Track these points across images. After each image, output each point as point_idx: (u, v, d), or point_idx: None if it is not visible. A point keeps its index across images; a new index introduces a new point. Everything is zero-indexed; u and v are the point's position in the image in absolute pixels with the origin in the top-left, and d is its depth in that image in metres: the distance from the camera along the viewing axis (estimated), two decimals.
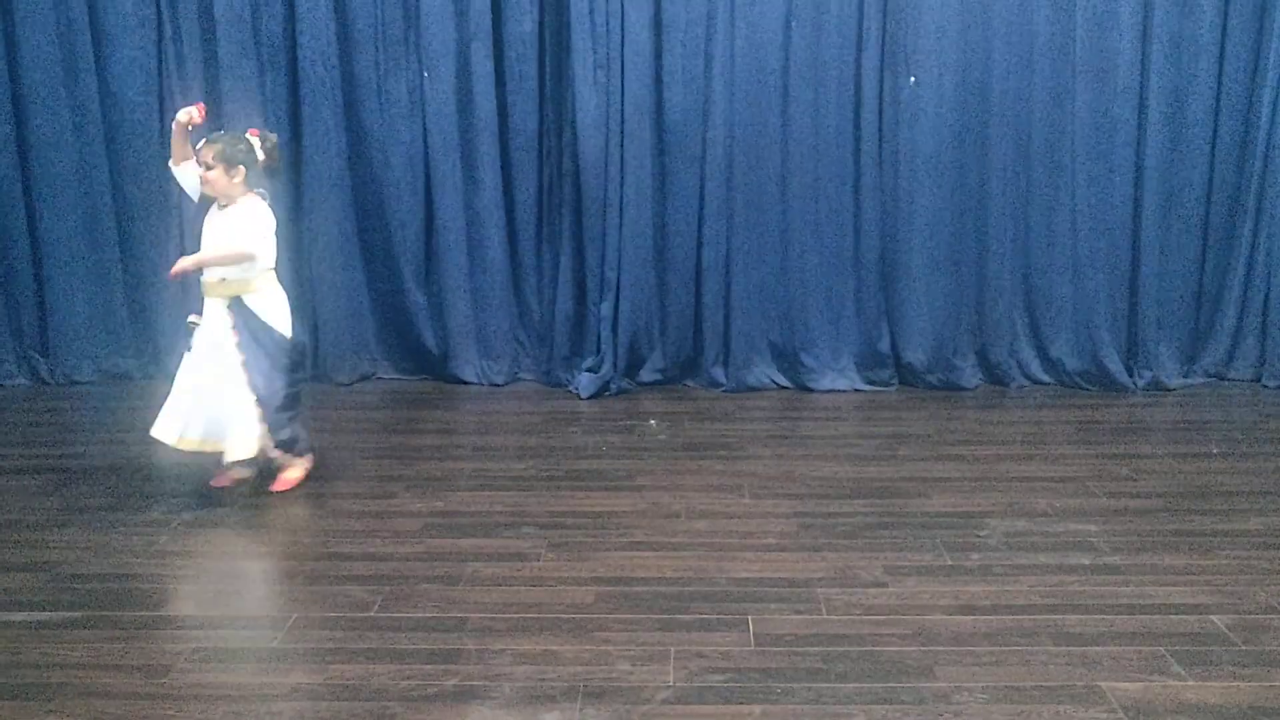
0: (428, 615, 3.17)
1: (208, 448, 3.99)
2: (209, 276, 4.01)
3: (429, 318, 5.70)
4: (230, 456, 3.97)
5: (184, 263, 3.98)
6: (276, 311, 4.08)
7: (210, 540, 3.72)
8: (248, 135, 4.02)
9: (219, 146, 3.94)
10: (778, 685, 2.78)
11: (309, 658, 2.93)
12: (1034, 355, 5.64)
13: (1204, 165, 5.44)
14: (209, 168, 3.94)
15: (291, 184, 5.55)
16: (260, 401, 3.97)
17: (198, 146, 3.98)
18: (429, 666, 2.88)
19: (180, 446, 3.97)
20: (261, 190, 4.09)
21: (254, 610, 3.21)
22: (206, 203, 4.10)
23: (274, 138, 4.11)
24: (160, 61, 5.44)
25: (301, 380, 4.30)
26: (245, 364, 3.97)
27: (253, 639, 3.03)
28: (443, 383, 5.71)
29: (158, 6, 5.38)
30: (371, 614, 3.17)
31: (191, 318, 4.07)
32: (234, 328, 3.98)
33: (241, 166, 3.97)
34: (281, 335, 4.06)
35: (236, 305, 3.99)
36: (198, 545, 3.68)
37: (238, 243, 3.94)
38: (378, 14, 5.41)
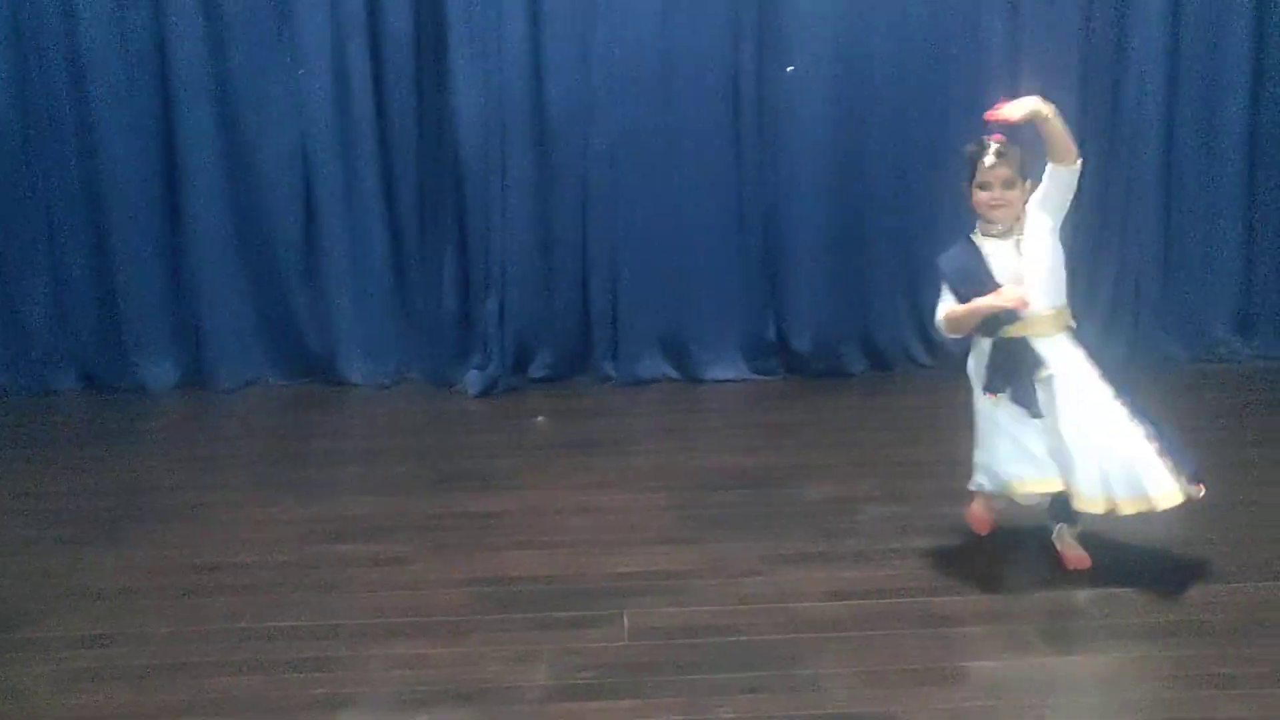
0: (300, 623, 3.12)
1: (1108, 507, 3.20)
2: (1044, 310, 3.25)
3: (312, 320, 5.61)
4: (1164, 505, 3.16)
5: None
6: None
7: (78, 557, 3.62)
8: (995, 142, 3.22)
9: (1017, 159, 3.19)
10: (649, 679, 2.79)
11: (178, 672, 2.87)
12: (917, 340, 5.73)
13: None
14: (1008, 186, 3.19)
15: (166, 186, 5.44)
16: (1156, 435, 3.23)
17: (991, 164, 3.18)
18: (299, 675, 2.85)
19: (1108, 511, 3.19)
20: None
21: (122, 628, 3.13)
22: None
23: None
24: (20, 65, 5.27)
25: None
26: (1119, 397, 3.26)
27: (120, 656, 2.96)
28: (329, 385, 5.62)
29: (14, 7, 5.20)
30: (243, 624, 3.12)
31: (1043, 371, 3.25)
32: (1088, 360, 3.31)
33: (1031, 180, 3.23)
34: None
35: (1073, 338, 3.33)
36: (65, 563, 3.58)
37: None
38: (249, 12, 5.29)
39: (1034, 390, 3.23)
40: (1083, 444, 3.18)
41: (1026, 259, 3.23)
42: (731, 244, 5.58)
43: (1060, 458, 3.22)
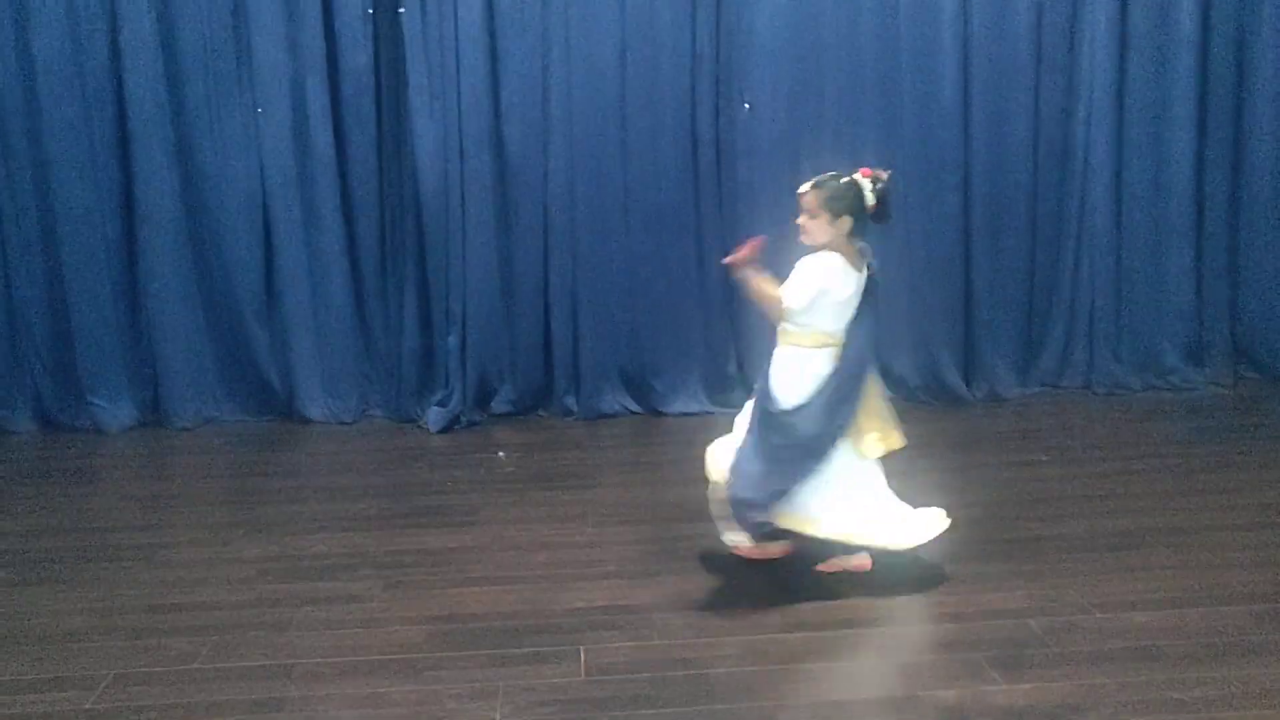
0: (254, 664, 3.09)
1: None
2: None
3: (272, 357, 5.58)
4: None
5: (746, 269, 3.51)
6: (781, 378, 3.60)
7: (27, 599, 3.56)
8: (861, 176, 3.46)
9: (825, 193, 3.42)
10: (604, 714, 2.78)
11: (125, 716, 2.83)
12: (876, 371, 5.75)
13: (1027, 184, 5.65)
14: (811, 215, 3.44)
15: (123, 222, 5.41)
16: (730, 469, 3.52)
17: (801, 190, 3.47)
18: (252, 717, 2.82)
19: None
20: (862, 245, 3.54)
21: (69, 670, 3.08)
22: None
23: (885, 176, 3.47)
24: None
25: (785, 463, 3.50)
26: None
27: (66, 701, 2.91)
28: (289, 422, 5.59)
29: None
30: (195, 666, 3.08)
31: None
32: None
33: (848, 216, 3.43)
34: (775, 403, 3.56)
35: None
36: (12, 605, 3.52)
37: (780, 292, 3.51)
38: (206, 48, 5.29)
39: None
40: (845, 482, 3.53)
41: None
42: (692, 279, 5.61)
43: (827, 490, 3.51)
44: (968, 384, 5.76)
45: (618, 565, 3.75)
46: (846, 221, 3.42)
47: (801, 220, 3.46)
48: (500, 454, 5.05)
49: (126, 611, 3.45)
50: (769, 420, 3.53)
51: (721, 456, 3.66)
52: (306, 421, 5.55)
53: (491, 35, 5.35)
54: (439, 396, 5.53)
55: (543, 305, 5.59)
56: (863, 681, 2.92)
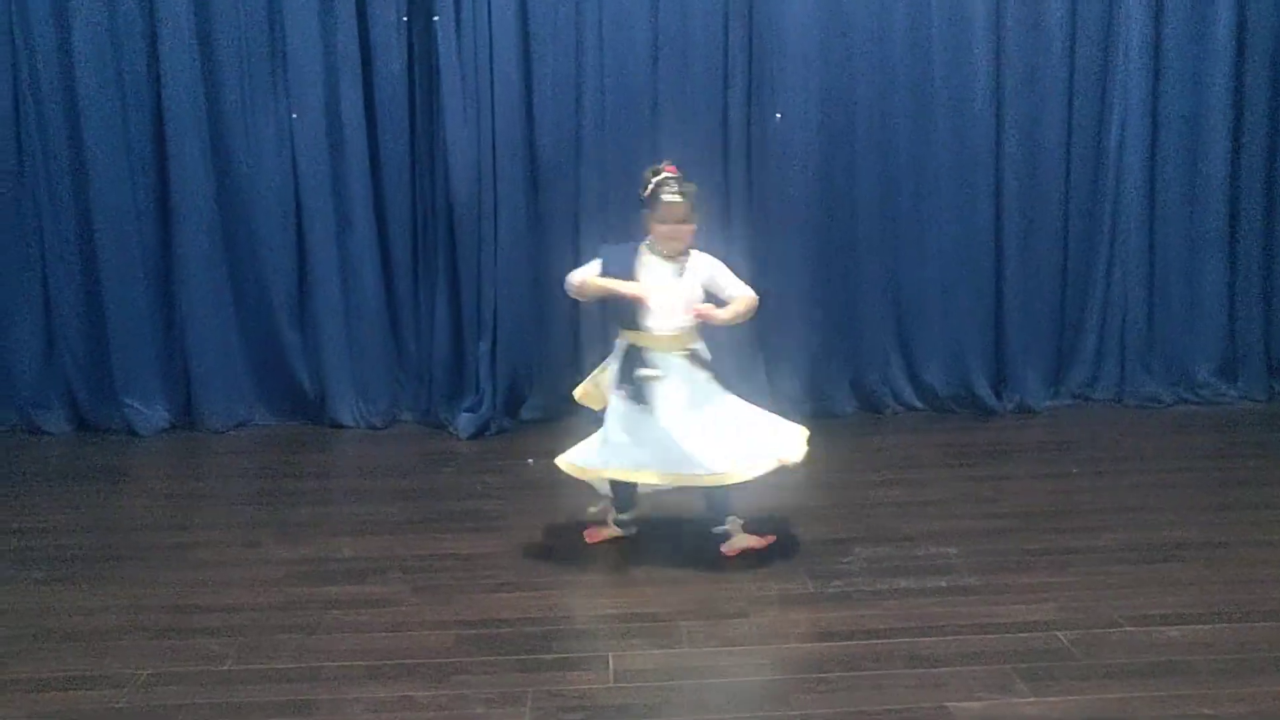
0: (283, 666, 3.11)
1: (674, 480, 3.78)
2: (666, 330, 3.75)
3: (304, 360, 5.62)
4: (794, 458, 3.75)
5: (715, 314, 3.74)
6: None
7: (60, 597, 3.60)
8: (668, 172, 3.75)
9: (692, 199, 3.70)
10: None
11: (156, 716, 2.85)
12: (906, 381, 5.76)
13: (1059, 194, 5.63)
14: (683, 221, 3.70)
15: (159, 223, 5.47)
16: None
17: (671, 201, 3.66)
18: (280, 718, 2.83)
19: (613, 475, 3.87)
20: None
21: (101, 669, 3.11)
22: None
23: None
24: (17, 104, 5.31)
25: None
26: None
27: (97, 699, 2.94)
28: (320, 426, 5.62)
29: (13, 49, 5.25)
30: (224, 667, 3.11)
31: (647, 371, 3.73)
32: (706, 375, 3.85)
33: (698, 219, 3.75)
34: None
35: (692, 359, 3.81)
36: (46, 603, 3.56)
37: (746, 292, 3.80)
38: (243, 51, 5.34)
39: (644, 389, 3.70)
40: (693, 433, 3.65)
41: (674, 283, 3.71)
42: None
43: (675, 453, 3.65)
44: (998, 395, 5.73)
45: (645, 572, 3.75)
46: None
47: (685, 230, 3.72)
48: (529, 460, 5.06)
49: (157, 611, 3.48)
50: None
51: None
52: (338, 425, 5.58)
53: (524, 41, 5.37)
54: (469, 402, 5.55)
55: (573, 312, 5.60)
56: (889, 692, 2.90)
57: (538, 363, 5.66)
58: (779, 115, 5.45)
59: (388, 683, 3.01)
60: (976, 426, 5.52)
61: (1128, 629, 3.22)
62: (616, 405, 3.79)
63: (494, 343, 5.52)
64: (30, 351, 5.52)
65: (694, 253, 3.78)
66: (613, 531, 4.01)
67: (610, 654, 3.14)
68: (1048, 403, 5.77)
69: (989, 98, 5.50)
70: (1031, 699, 2.84)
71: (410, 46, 5.40)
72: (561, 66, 5.39)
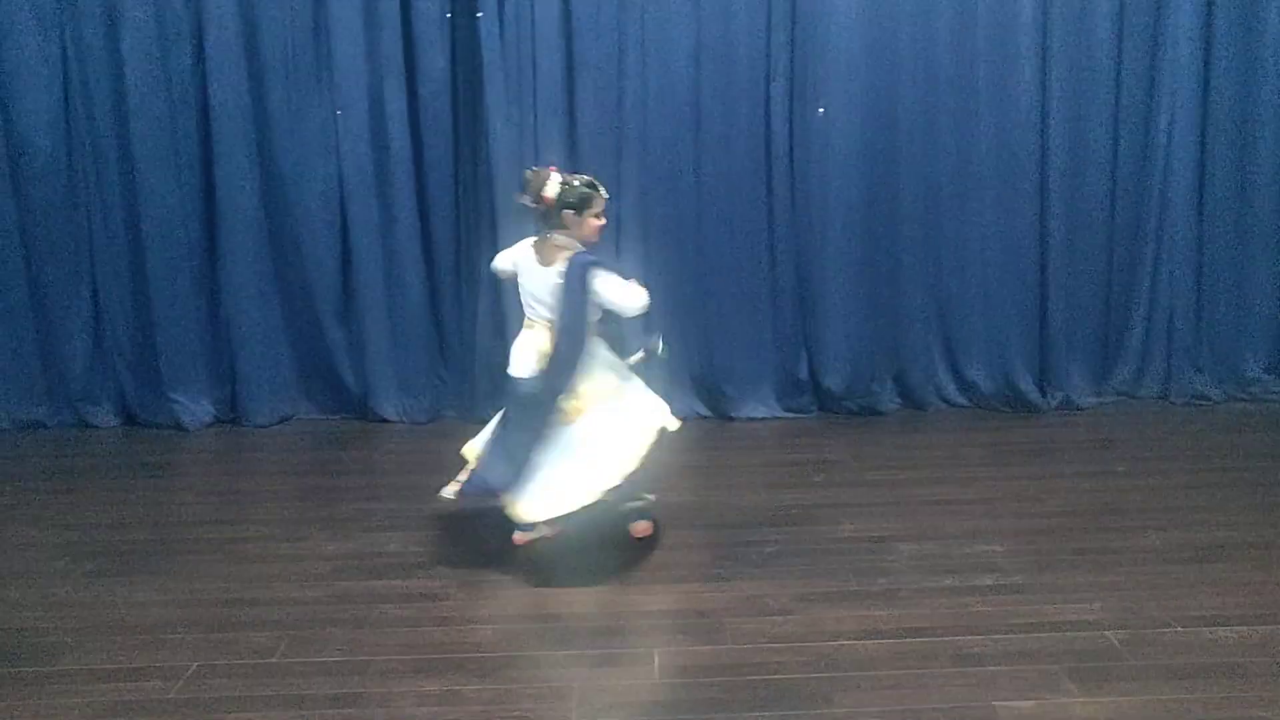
0: (331, 659, 3.14)
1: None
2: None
3: (348, 356, 5.67)
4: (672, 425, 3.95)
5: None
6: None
7: (111, 590, 3.65)
8: (552, 172, 3.80)
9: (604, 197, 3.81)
10: (678, 718, 2.79)
11: (207, 708, 2.89)
12: (950, 378, 5.73)
13: (1105, 188, 5.57)
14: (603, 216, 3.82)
15: (205, 222, 5.53)
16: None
17: (595, 200, 3.76)
18: (329, 711, 2.87)
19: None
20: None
21: (153, 661, 3.15)
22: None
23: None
24: (67, 102, 5.38)
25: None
26: None
27: (150, 690, 2.98)
28: (364, 422, 5.67)
29: (63, 48, 5.32)
30: (274, 660, 3.14)
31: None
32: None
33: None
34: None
35: None
36: (96, 596, 3.61)
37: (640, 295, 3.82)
38: (288, 52, 5.39)
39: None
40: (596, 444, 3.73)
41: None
42: (763, 283, 5.59)
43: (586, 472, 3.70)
44: (1042, 392, 5.68)
45: (689, 569, 3.75)
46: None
47: (598, 225, 3.81)
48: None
49: (207, 604, 3.52)
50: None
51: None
52: (381, 421, 5.62)
53: (568, 39, 5.37)
54: None
55: None
56: (937, 691, 2.89)
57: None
58: (822, 110, 5.42)
59: (435, 676, 3.03)
60: (1021, 424, 5.48)
61: (1177, 629, 3.20)
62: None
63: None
64: (80, 348, 5.59)
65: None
66: (537, 532, 3.94)
67: (656, 650, 3.15)
68: (1092, 400, 5.72)
69: (1034, 91, 5.45)
70: (1081, 699, 2.82)
71: (454, 44, 5.43)
72: (604, 63, 5.40)
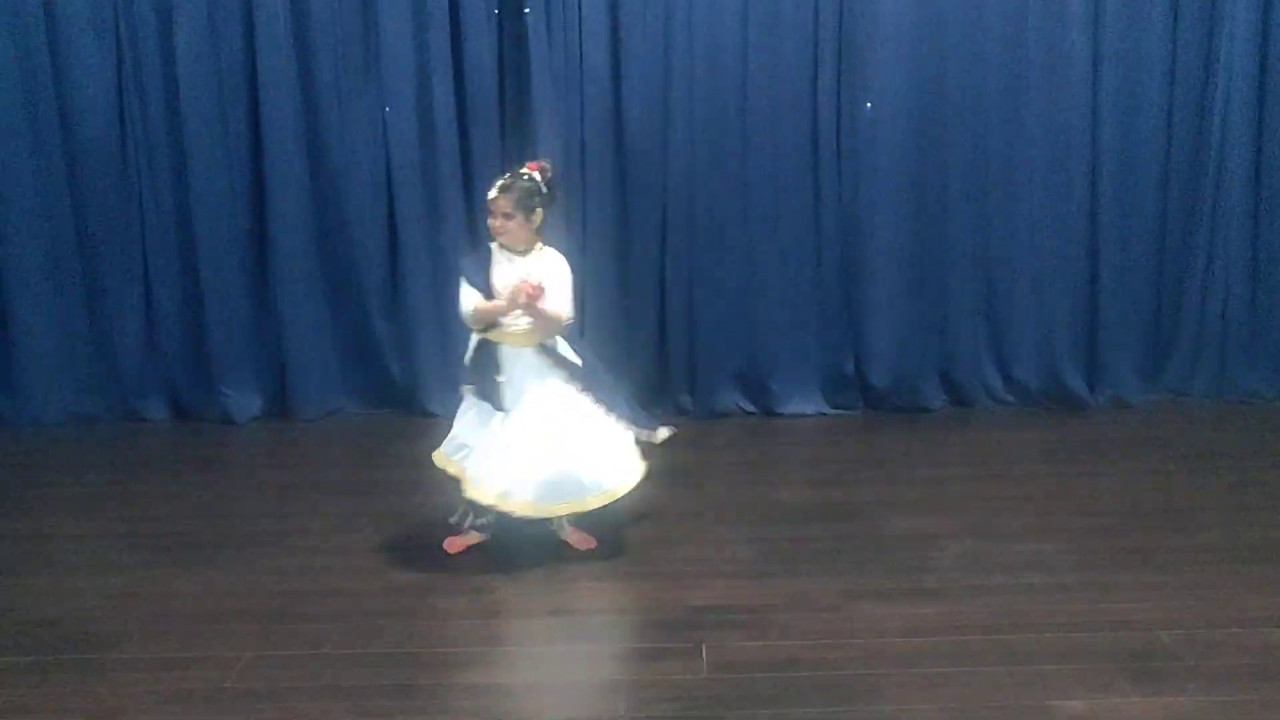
0: (382, 650, 3.17)
1: (545, 512, 3.71)
2: (518, 325, 3.72)
3: (395, 351, 5.71)
4: (623, 490, 3.70)
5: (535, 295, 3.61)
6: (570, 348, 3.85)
7: (167, 581, 3.69)
8: (529, 170, 3.74)
9: (515, 195, 3.66)
10: (728, 713, 2.79)
11: (261, 697, 2.92)
12: (997, 375, 5.68)
13: (1158, 183, 5.51)
14: (508, 217, 3.67)
15: (254, 216, 5.58)
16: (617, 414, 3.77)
17: (490, 197, 3.69)
18: (380, 702, 2.88)
19: (513, 510, 3.65)
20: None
21: (208, 650, 3.19)
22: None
23: (550, 167, 3.81)
24: (121, 94, 5.45)
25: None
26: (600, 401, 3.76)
27: (205, 679, 3.02)
28: (410, 416, 5.69)
29: (117, 40, 5.39)
30: (325, 650, 3.17)
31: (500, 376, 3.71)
32: (560, 371, 3.75)
33: (540, 209, 3.72)
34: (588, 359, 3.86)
35: (544, 354, 3.75)
36: (152, 586, 3.66)
37: (561, 309, 3.72)
38: (337, 46, 5.44)
39: (496, 389, 3.70)
40: (529, 453, 3.59)
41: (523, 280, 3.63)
42: (809, 279, 5.58)
43: (509, 461, 3.60)
44: (1090, 388, 5.63)
45: (736, 564, 3.75)
46: (540, 215, 3.72)
47: (497, 224, 3.69)
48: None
49: (259, 595, 3.56)
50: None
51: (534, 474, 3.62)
52: (428, 415, 5.65)
53: (614, 32, 5.39)
54: None
55: (659, 302, 5.61)
56: (989, 689, 2.86)
57: (624, 353, 5.64)
58: (869, 105, 5.39)
59: (485, 669, 3.05)
60: (1069, 421, 5.43)
61: (1234, 630, 3.15)
62: (468, 406, 3.84)
63: (581, 331, 5.52)
64: (131, 341, 5.67)
65: (545, 248, 3.81)
66: (471, 538, 3.90)
67: (704, 644, 3.15)
68: (1143, 397, 5.65)
69: (1085, 82, 5.40)
70: (1136, 699, 2.79)
71: (501, 37, 5.45)
72: (650, 56, 5.40)
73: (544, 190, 3.72)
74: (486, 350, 3.76)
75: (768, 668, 3.02)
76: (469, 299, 3.72)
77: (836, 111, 5.45)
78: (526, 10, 5.31)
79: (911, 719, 2.75)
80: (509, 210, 3.67)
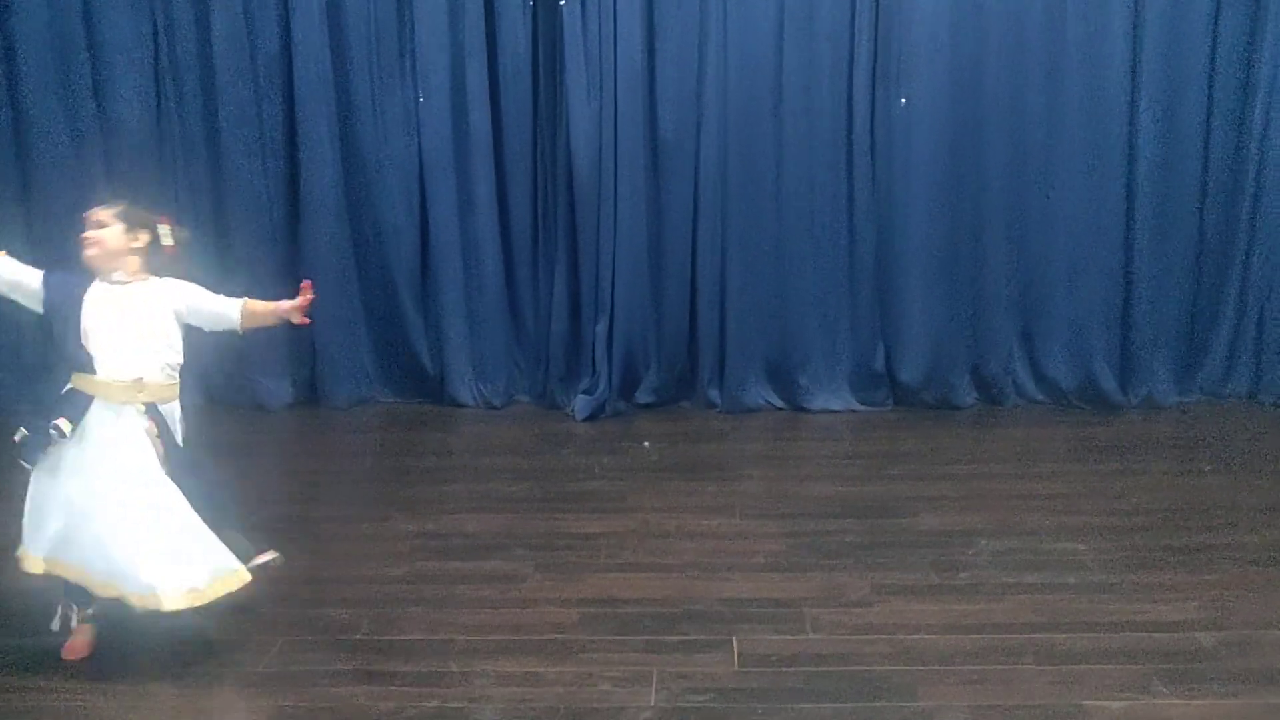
0: (413, 638, 3.18)
1: (110, 592, 2.96)
2: (120, 376, 3.03)
3: (425, 340, 5.72)
4: (169, 605, 2.92)
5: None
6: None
7: None
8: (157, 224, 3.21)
9: (121, 208, 3.15)
10: (759, 706, 2.78)
11: (294, 681, 2.93)
12: (1028, 373, 5.64)
13: (1197, 182, 5.45)
14: (101, 225, 3.10)
15: (288, 205, 5.59)
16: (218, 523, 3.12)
17: (91, 212, 3.15)
18: (412, 689, 2.89)
19: (60, 573, 3.01)
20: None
21: (240, 637, 3.20)
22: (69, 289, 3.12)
23: (186, 233, 3.31)
24: (157, 83, 5.47)
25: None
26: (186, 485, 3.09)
27: (240, 664, 3.03)
28: (440, 405, 5.70)
29: (154, 26, 5.40)
30: (357, 637, 3.18)
31: (61, 422, 2.95)
32: (159, 439, 3.10)
33: (146, 232, 3.15)
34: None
35: (154, 412, 3.11)
36: None
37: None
38: (372, 35, 5.45)
39: (43, 443, 2.95)
40: (122, 529, 2.92)
41: (130, 318, 3.09)
42: (841, 273, 5.55)
43: (80, 537, 2.94)
44: (1123, 389, 5.57)
45: (766, 558, 3.74)
46: (145, 236, 3.14)
47: (87, 233, 3.11)
48: (645, 443, 5.07)
49: (291, 582, 3.53)
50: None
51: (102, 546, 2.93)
52: (457, 404, 5.66)
53: (649, 23, 5.37)
54: (585, 384, 5.58)
55: (690, 295, 5.60)
56: (1022, 687, 2.84)
57: (654, 345, 5.66)
58: (904, 101, 5.36)
59: (516, 658, 3.05)
60: (1101, 421, 5.38)
61: (1274, 632, 3.12)
62: (39, 474, 3.01)
63: (611, 324, 5.53)
64: None
65: (154, 280, 3.19)
66: (84, 634, 3.11)
67: (735, 637, 3.14)
68: (1176, 399, 5.60)
69: (1124, 79, 5.34)
70: (1173, 700, 2.77)
71: (535, 28, 5.44)
72: (685, 49, 5.38)
73: (159, 236, 3.18)
74: (76, 400, 3.01)
75: (798, 662, 3.01)
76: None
77: (871, 107, 5.42)
78: (562, 2, 5.30)
79: (946, 717, 2.73)
80: (102, 221, 3.12)
